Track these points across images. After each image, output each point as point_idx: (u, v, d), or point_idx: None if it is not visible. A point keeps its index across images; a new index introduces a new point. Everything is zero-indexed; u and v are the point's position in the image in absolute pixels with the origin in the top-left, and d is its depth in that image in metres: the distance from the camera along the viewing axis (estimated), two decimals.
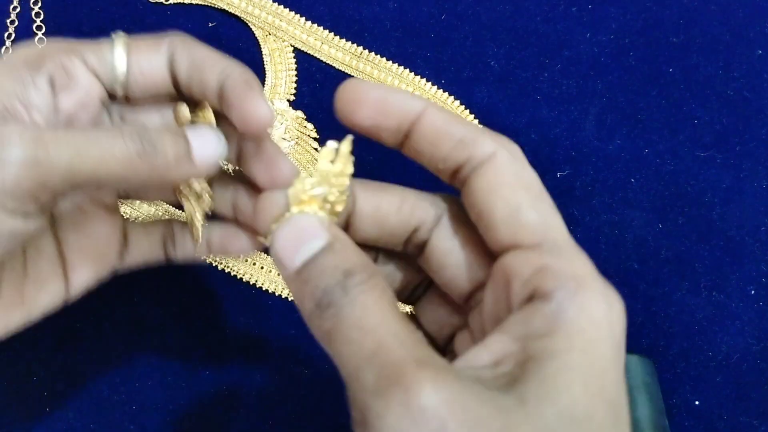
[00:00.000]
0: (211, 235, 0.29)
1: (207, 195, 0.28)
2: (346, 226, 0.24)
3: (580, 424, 0.17)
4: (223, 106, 0.26)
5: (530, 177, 0.22)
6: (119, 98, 0.28)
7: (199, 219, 0.28)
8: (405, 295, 0.26)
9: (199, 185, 0.28)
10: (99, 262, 0.29)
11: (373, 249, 0.26)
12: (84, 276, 0.29)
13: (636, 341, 0.38)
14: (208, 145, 0.25)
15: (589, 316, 0.19)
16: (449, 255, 0.23)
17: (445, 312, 0.25)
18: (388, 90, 0.23)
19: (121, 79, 0.27)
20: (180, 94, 0.28)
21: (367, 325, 0.19)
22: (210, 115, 0.27)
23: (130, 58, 0.27)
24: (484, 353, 0.20)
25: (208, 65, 0.26)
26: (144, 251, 0.30)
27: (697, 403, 0.38)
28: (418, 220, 0.24)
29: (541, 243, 0.21)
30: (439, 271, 0.24)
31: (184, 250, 0.30)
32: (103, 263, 0.29)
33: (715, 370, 0.38)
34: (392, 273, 0.26)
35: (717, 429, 0.37)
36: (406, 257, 0.26)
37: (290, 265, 0.22)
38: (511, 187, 0.21)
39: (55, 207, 0.27)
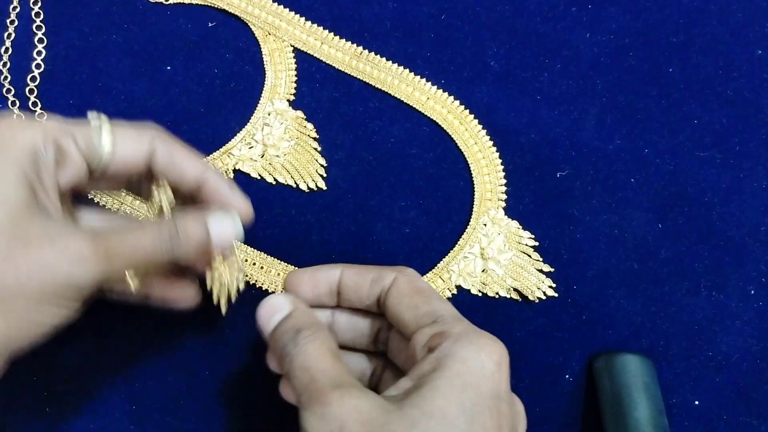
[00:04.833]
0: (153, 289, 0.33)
1: (237, 269, 0.33)
2: (338, 295, 0.33)
3: (435, 418, 0.25)
4: (201, 193, 0.32)
5: (421, 285, 0.31)
6: (94, 177, 0.31)
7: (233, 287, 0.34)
8: (374, 334, 0.34)
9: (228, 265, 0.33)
10: None
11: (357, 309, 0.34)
12: None
13: (636, 341, 0.38)
14: (224, 235, 0.31)
15: (459, 357, 0.27)
16: (396, 308, 0.31)
17: (406, 345, 0.32)
18: (314, 269, 0.33)
19: (105, 160, 0.30)
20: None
21: (307, 365, 0.28)
22: (170, 192, 0.32)
23: (115, 143, 0.30)
24: (393, 390, 0.28)
25: (187, 164, 0.32)
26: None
27: (696, 403, 0.38)
28: (381, 287, 0.32)
29: (434, 321, 0.29)
30: (392, 318, 0.31)
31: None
32: None
33: (715, 370, 0.38)
34: (368, 324, 0.34)
35: (717, 429, 0.37)
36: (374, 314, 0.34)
37: (266, 331, 0.30)
38: (409, 295, 0.31)
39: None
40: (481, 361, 0.27)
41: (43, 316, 0.27)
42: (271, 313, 0.30)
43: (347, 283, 0.32)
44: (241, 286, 0.34)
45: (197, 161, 0.32)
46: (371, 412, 0.25)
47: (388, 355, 0.33)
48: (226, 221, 0.31)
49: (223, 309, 0.34)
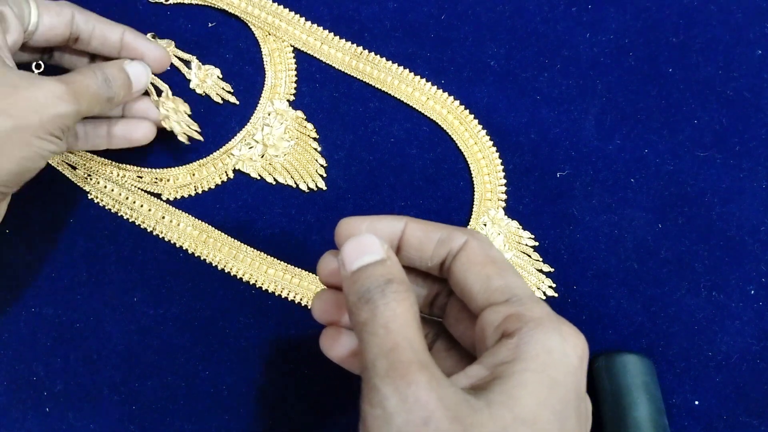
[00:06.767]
0: (114, 128, 0.39)
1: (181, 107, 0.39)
2: (397, 251, 0.29)
3: (527, 425, 0.23)
4: (123, 51, 0.37)
5: (495, 254, 0.28)
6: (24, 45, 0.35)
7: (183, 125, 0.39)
8: (431, 298, 0.31)
9: (173, 103, 0.39)
10: None
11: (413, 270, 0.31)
12: None
13: (636, 341, 0.38)
14: (140, 77, 0.37)
15: (543, 346, 0.24)
16: (464, 276, 0.28)
17: (467, 316, 0.30)
18: (374, 218, 0.29)
19: (31, 29, 0.34)
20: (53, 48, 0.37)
21: (392, 326, 0.24)
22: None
23: (40, 13, 0.34)
24: (464, 378, 0.25)
25: (106, 28, 0.37)
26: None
27: (696, 402, 0.38)
28: (448, 249, 0.29)
29: (508, 299, 0.26)
30: (458, 286, 0.28)
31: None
32: None
33: (714, 369, 0.38)
34: (426, 286, 0.31)
35: (716, 428, 0.38)
36: (434, 277, 0.31)
37: (349, 267, 0.27)
38: (481, 264, 0.27)
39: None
40: (567, 354, 0.24)
41: (42, 149, 0.32)
42: (361, 252, 0.27)
43: (410, 239, 0.29)
44: (188, 110, 0.40)
45: (114, 24, 0.37)
46: (459, 407, 0.23)
47: (444, 323, 0.31)
48: (138, 66, 0.37)
49: (187, 137, 0.40)
